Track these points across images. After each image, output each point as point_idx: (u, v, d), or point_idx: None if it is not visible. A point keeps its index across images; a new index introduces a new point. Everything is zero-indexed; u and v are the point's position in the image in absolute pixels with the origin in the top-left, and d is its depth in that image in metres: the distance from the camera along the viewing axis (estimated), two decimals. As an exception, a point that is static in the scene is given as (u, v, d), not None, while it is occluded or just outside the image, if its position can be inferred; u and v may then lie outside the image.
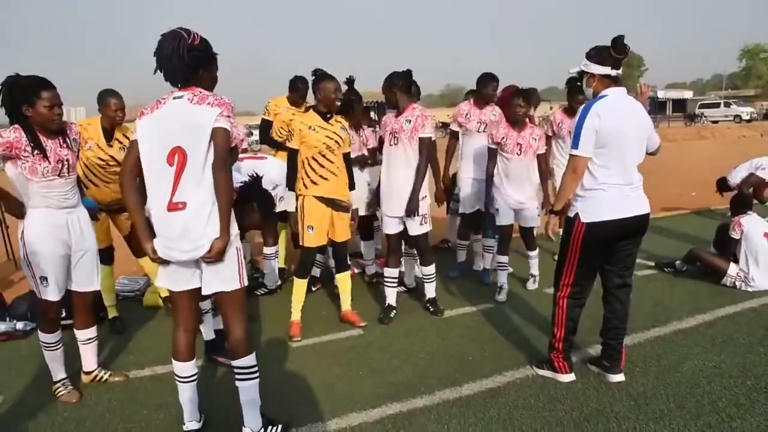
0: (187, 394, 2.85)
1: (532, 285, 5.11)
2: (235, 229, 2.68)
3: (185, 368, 2.82)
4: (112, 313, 4.49)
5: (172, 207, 2.55)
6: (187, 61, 2.54)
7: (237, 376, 2.75)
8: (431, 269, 4.56)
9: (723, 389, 3.21)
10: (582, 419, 2.97)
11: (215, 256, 2.56)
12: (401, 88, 4.23)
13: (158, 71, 2.59)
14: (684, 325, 4.15)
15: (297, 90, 5.43)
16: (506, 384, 3.39)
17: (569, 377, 3.37)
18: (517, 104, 4.61)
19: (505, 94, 5.32)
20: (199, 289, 2.72)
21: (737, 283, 4.89)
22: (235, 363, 2.75)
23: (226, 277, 2.66)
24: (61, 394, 3.32)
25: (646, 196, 3.23)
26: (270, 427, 2.85)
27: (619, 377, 3.34)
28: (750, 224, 4.95)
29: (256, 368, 2.77)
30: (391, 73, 4.28)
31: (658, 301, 4.66)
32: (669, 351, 3.73)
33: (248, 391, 2.76)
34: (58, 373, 3.36)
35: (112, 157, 4.17)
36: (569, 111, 5.47)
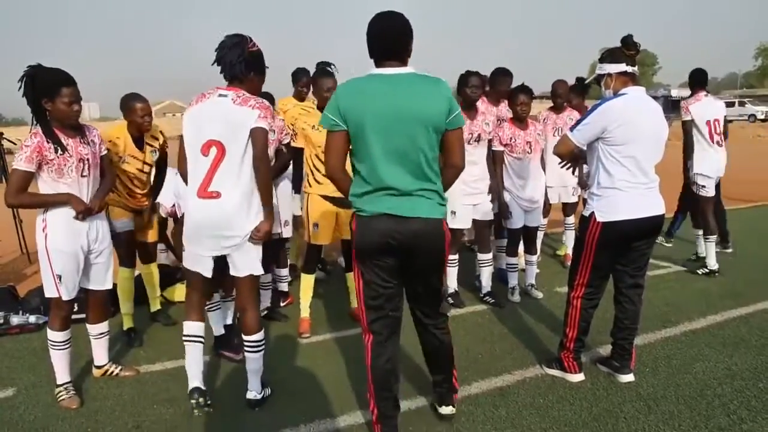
0: (192, 354, 3.09)
1: (537, 293, 4.91)
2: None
3: (193, 327, 3.09)
4: (127, 324, 4.19)
5: (206, 194, 2.84)
6: (246, 59, 2.85)
7: (247, 349, 3.11)
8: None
9: (734, 391, 3.19)
10: (591, 419, 2.96)
11: (263, 237, 2.93)
12: None
13: (216, 64, 2.90)
14: (695, 326, 4.13)
15: (298, 80, 5.40)
16: (515, 383, 3.38)
17: (579, 377, 3.37)
18: (522, 102, 4.52)
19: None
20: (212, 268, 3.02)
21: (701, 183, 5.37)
22: (247, 338, 3.09)
23: (255, 262, 3.00)
24: (62, 398, 3.25)
25: (661, 196, 3.21)
26: (263, 390, 3.23)
27: (629, 377, 3.33)
28: (698, 108, 5.21)
29: (263, 342, 3.15)
30: None
31: (669, 302, 4.64)
32: (679, 352, 3.72)
33: (255, 362, 3.14)
34: (63, 375, 3.28)
35: (146, 162, 4.02)
36: None
